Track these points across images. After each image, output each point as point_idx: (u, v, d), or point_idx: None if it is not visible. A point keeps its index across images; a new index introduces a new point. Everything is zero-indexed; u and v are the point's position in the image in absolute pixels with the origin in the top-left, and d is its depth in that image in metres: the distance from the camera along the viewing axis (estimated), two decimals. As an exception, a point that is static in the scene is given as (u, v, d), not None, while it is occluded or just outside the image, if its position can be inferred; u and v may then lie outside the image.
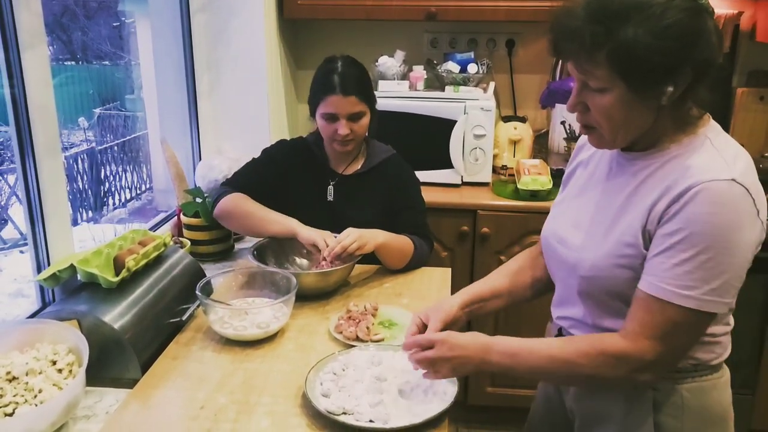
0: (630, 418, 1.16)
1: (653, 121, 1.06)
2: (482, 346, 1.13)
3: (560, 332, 1.27)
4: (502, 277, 1.37)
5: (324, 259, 1.64)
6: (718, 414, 1.18)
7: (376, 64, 2.54)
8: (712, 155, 1.04)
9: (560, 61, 2.58)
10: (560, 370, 1.10)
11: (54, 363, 1.21)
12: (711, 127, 1.09)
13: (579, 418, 1.26)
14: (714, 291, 1.00)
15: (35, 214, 1.51)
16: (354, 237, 1.63)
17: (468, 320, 1.34)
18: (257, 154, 1.94)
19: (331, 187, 1.88)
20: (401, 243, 1.78)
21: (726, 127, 2.64)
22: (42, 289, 1.56)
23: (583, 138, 1.30)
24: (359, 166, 1.90)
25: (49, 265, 1.53)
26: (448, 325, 1.26)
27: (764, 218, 1.03)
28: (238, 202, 1.80)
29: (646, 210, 1.06)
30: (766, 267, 2.23)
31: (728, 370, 1.19)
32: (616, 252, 1.08)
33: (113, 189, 3.89)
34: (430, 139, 2.46)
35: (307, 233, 1.69)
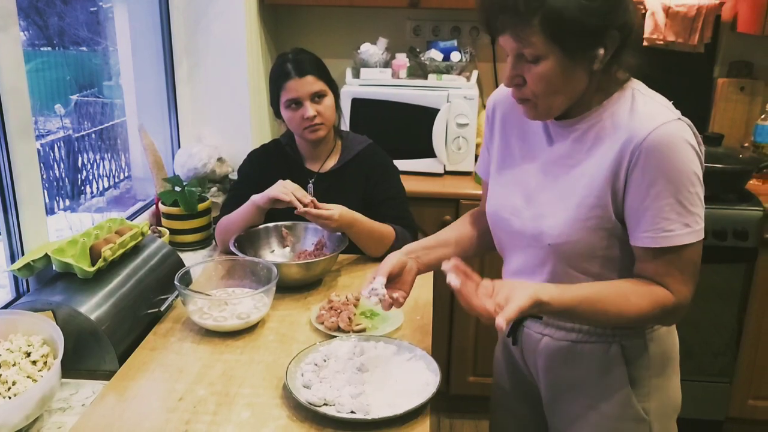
0: (604, 378, 1.20)
1: (586, 87, 1.09)
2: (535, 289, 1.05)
3: None
4: (449, 230, 1.41)
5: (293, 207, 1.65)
6: (674, 355, 1.25)
7: (359, 51, 2.52)
8: (648, 102, 1.10)
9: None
10: (614, 319, 1.12)
11: (28, 355, 1.19)
12: (633, 81, 1.15)
13: (548, 389, 1.27)
14: (701, 217, 1.07)
15: (8, 202, 1.47)
16: (331, 214, 1.64)
17: (420, 268, 1.32)
18: (237, 142, 1.92)
19: (310, 186, 1.86)
20: (379, 230, 1.76)
21: (707, 118, 2.66)
22: (16, 280, 1.53)
23: (490, 108, 1.30)
24: (335, 162, 1.88)
25: (23, 254, 1.49)
26: (397, 271, 1.26)
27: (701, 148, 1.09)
28: (218, 230, 1.83)
29: (607, 168, 1.08)
30: (743, 256, 2.27)
31: None
32: (583, 215, 1.11)
33: (91, 177, 3.83)
34: (412, 128, 2.44)
35: (267, 194, 1.68)
